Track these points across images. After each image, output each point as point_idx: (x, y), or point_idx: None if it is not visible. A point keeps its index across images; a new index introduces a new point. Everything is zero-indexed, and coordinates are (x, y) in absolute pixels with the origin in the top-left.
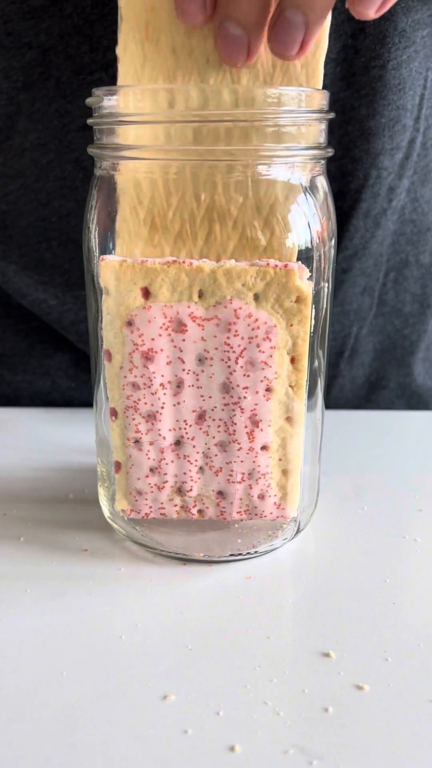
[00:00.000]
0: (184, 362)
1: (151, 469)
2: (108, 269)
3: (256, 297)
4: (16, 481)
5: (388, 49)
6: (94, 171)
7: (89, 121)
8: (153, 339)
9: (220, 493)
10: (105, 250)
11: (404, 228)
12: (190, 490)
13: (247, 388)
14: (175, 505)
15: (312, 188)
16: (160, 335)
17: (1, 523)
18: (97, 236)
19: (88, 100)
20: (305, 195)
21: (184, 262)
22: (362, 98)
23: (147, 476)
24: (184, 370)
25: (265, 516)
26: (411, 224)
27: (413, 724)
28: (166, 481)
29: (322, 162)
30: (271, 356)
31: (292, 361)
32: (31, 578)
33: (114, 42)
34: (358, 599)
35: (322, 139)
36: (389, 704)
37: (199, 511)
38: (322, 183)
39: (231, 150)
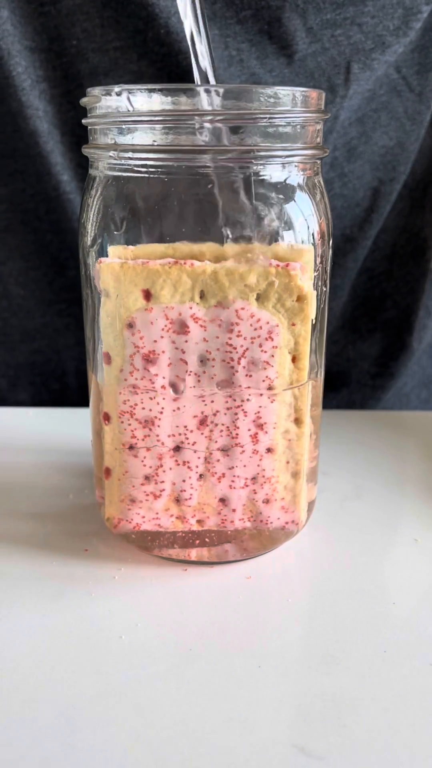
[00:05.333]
0: (185, 364)
1: (146, 477)
2: (108, 271)
3: (258, 297)
4: (16, 481)
5: (296, 42)
6: (89, 171)
7: (84, 121)
8: (155, 341)
9: (222, 500)
10: (101, 250)
11: (334, 203)
12: (190, 498)
13: (249, 388)
14: (171, 515)
15: (309, 188)
16: (162, 337)
17: (1, 523)
18: (92, 237)
19: (83, 100)
20: (303, 195)
21: (185, 263)
22: (273, 78)
23: (142, 484)
24: (185, 371)
25: (271, 522)
26: (341, 199)
27: (413, 723)
28: (163, 490)
29: (319, 162)
30: (273, 356)
31: (294, 360)
32: (31, 578)
33: None
34: (358, 599)
35: (319, 138)
36: (389, 704)
37: (199, 521)
38: (319, 183)
39: (227, 150)
